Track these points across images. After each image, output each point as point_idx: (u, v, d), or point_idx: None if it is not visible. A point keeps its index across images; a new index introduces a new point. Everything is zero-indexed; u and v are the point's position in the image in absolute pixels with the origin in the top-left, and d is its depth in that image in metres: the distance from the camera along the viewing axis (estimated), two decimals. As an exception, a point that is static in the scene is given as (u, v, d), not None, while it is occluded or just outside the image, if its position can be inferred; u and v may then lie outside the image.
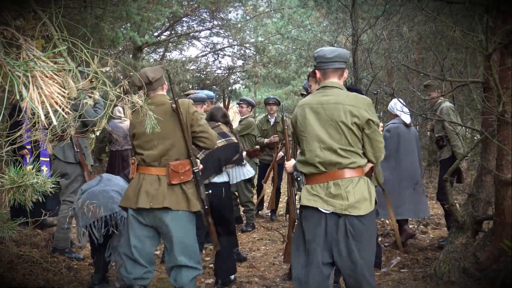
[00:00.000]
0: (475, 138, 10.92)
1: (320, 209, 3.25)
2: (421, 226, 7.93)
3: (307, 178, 3.39)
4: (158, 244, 4.11)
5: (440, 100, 6.57)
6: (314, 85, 4.40)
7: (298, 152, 3.56)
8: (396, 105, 6.34)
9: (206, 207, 3.94)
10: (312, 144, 3.32)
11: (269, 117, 8.46)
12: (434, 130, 6.89)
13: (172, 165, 3.82)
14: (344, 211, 3.22)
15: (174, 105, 3.87)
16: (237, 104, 8.99)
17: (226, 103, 7.70)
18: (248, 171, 5.39)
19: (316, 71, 3.53)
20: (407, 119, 6.39)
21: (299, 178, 3.44)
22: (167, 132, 3.81)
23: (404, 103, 6.11)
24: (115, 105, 3.16)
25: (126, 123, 9.00)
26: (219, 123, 5.27)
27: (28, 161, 5.82)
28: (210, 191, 3.97)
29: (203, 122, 3.97)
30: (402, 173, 6.27)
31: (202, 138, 3.94)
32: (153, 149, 3.88)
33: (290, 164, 3.90)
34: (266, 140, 8.24)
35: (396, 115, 6.39)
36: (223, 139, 5.10)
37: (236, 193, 7.67)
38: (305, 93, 5.36)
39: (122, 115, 9.02)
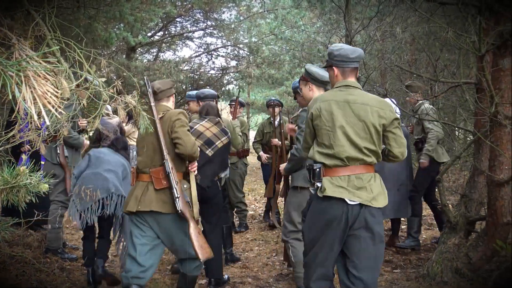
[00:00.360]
0: (468, 139, 10.97)
1: (346, 200, 3.34)
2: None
3: (328, 169, 3.44)
4: (163, 247, 4.19)
5: (420, 101, 6.55)
6: (305, 87, 4.51)
7: (313, 143, 3.60)
8: None
9: (180, 211, 3.95)
10: (341, 140, 3.39)
11: (271, 119, 8.25)
12: (414, 132, 6.86)
13: (151, 172, 4.01)
14: (368, 203, 3.35)
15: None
16: (228, 104, 8.90)
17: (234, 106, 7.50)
18: None
19: (334, 68, 3.57)
20: None
21: (317, 169, 3.46)
22: (152, 139, 4.01)
23: (396, 103, 6.12)
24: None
25: (115, 120, 9.03)
26: (219, 118, 5.28)
27: (23, 161, 5.79)
28: (178, 197, 3.99)
29: (180, 130, 4.04)
30: (387, 174, 6.27)
31: (176, 144, 4.01)
32: (143, 156, 4.10)
33: (283, 166, 3.97)
34: (262, 154, 8.20)
35: None
36: (226, 136, 5.16)
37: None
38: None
39: (110, 112, 9.06)
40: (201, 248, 4.09)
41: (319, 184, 3.43)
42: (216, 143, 5.05)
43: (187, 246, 4.04)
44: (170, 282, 5.31)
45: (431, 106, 6.59)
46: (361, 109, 3.40)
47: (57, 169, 5.69)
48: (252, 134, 13.19)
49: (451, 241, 5.10)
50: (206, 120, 5.17)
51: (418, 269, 5.54)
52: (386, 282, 5.25)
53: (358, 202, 3.34)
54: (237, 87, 16.93)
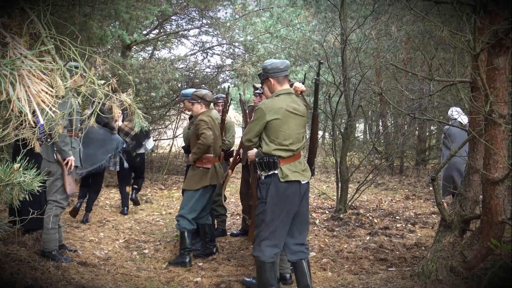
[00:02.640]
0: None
1: (301, 181, 4.49)
2: (409, 225, 7.97)
3: (284, 159, 4.46)
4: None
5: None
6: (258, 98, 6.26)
7: (268, 140, 4.53)
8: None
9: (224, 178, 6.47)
10: (293, 139, 4.49)
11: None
12: None
13: (220, 155, 6.26)
14: (309, 180, 4.61)
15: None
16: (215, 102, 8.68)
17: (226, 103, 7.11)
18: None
19: (270, 79, 4.57)
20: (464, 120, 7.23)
21: (276, 161, 4.43)
22: (217, 135, 6.16)
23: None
24: (104, 104, 3.15)
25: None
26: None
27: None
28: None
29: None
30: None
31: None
32: (215, 145, 6.10)
33: (252, 152, 4.71)
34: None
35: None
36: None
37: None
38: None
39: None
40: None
41: (276, 172, 4.43)
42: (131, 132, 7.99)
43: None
44: (165, 280, 5.30)
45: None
46: (302, 112, 4.57)
47: (53, 166, 5.52)
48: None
49: (446, 240, 5.12)
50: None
51: (413, 267, 5.55)
52: (381, 281, 5.26)
53: (306, 181, 4.55)
54: (232, 85, 16.88)
